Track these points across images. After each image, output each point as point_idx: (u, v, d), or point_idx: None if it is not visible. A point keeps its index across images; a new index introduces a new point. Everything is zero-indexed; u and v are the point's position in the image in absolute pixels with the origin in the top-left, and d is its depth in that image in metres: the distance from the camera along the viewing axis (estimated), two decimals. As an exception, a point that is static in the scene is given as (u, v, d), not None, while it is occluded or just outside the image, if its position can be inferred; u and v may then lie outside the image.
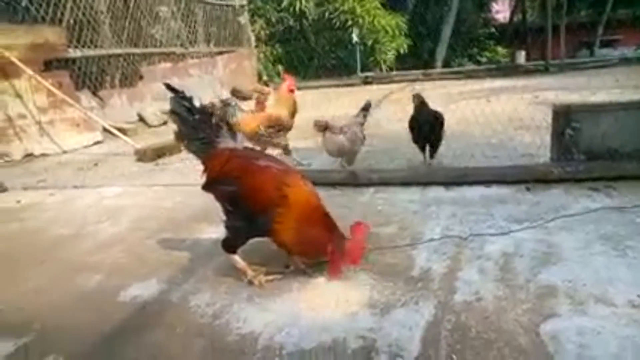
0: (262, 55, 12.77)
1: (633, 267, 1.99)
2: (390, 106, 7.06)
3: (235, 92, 10.35)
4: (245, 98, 10.19)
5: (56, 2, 6.77)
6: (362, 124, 3.79)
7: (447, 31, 15.34)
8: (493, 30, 18.83)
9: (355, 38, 12.56)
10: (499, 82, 9.69)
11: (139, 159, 5.14)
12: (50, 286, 2.34)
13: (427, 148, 3.71)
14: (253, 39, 12.00)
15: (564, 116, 3.22)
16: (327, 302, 1.94)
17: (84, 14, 7.23)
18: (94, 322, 1.97)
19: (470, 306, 1.81)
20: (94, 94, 7.45)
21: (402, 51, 14.22)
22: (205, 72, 9.98)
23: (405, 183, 3.37)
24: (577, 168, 3.12)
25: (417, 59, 14.65)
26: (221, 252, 2.19)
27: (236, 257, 2.16)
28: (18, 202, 3.97)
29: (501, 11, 21.50)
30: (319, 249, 2.04)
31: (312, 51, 13.97)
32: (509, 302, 1.81)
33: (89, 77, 7.37)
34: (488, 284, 1.96)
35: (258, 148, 3.96)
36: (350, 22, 13.09)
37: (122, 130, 6.32)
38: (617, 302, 1.75)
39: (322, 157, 4.08)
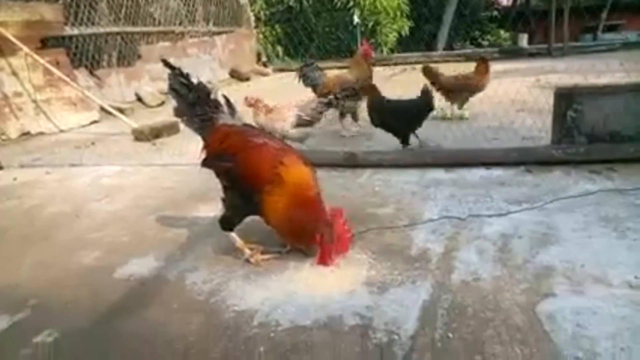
0: (261, 36, 12.60)
1: (632, 248, 1.98)
2: (392, 89, 6.96)
3: (233, 73, 10.24)
4: (243, 79, 10.10)
5: (52, -22, 6.63)
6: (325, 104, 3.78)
7: (449, 13, 15.12)
8: (496, 13, 18.57)
9: (356, 19, 12.36)
10: (501, 65, 9.54)
11: (137, 139, 5.10)
12: (48, 263, 2.34)
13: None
14: (253, 19, 11.81)
15: (566, 98, 3.18)
16: (323, 281, 1.94)
17: (81, -9, 7.09)
18: (90, 299, 1.97)
19: (468, 286, 1.81)
20: (91, 73, 7.34)
21: (403, 34, 14.02)
22: (204, 52, 9.84)
23: (406, 165, 3.35)
24: (578, 150, 3.10)
25: (418, 41, 14.44)
26: (219, 230, 2.19)
27: (233, 235, 2.16)
28: (15, 179, 3.95)
29: (504, -6, 21.14)
30: (304, 232, 1.99)
31: (312, 32, 13.79)
32: (507, 282, 1.81)
33: (86, 56, 7.26)
34: (486, 264, 1.96)
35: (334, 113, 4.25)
36: (351, 3, 12.87)
37: (120, 110, 6.25)
38: (615, 283, 1.74)
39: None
